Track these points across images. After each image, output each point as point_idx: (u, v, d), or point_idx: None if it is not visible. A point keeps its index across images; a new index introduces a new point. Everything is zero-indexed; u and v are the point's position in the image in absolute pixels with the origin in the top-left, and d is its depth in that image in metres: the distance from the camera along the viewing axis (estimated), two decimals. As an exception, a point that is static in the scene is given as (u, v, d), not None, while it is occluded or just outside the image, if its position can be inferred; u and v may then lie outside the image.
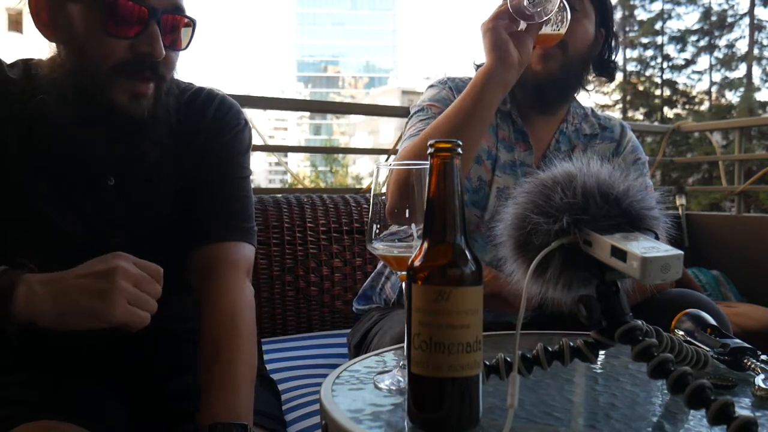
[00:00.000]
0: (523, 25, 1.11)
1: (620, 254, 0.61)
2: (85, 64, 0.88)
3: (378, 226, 0.76)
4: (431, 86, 1.41)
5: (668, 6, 20.45)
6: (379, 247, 0.76)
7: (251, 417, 0.87)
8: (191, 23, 0.94)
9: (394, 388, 0.75)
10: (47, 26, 0.90)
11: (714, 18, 20.18)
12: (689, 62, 20.64)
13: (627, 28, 20.54)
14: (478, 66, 1.36)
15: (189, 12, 0.94)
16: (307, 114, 73.35)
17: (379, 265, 1.49)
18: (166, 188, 1.02)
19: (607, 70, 1.42)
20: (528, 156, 1.36)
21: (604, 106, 19.49)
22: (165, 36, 0.90)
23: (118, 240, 0.96)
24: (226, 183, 1.05)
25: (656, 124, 15.05)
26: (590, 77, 1.42)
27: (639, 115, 19.99)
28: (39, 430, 0.82)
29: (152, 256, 0.93)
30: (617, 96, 20.33)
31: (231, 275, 0.99)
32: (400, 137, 1.54)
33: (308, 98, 67.03)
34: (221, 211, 1.03)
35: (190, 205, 1.03)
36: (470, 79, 1.36)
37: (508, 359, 0.71)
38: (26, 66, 0.96)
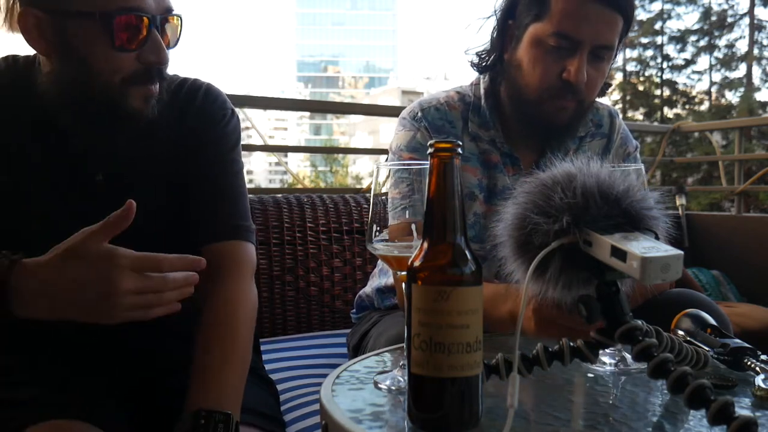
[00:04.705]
0: None
1: (620, 254, 0.61)
2: (94, 77, 0.89)
3: (378, 226, 0.76)
4: (403, 124, 1.28)
5: (668, 6, 20.40)
6: (379, 247, 0.76)
7: (238, 411, 0.87)
8: (179, 19, 0.97)
9: (394, 388, 0.75)
10: (40, 40, 0.90)
11: (714, 18, 20.13)
12: (689, 62, 20.59)
13: (627, 28, 20.45)
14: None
15: (176, 7, 0.97)
16: (307, 114, 73.32)
17: (376, 269, 1.48)
18: (159, 183, 1.02)
19: (602, 92, 1.29)
20: (517, 181, 1.24)
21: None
22: (163, 38, 0.92)
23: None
24: (221, 178, 1.05)
25: (656, 124, 15.04)
26: None
27: (639, 115, 19.94)
28: (51, 430, 0.82)
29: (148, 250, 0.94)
30: (617, 96, 20.30)
31: (237, 275, 1.00)
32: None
33: (308, 98, 67.02)
34: (224, 209, 1.03)
35: (185, 201, 1.03)
36: (447, 101, 1.27)
37: (508, 359, 0.71)
38: (15, 62, 0.98)
